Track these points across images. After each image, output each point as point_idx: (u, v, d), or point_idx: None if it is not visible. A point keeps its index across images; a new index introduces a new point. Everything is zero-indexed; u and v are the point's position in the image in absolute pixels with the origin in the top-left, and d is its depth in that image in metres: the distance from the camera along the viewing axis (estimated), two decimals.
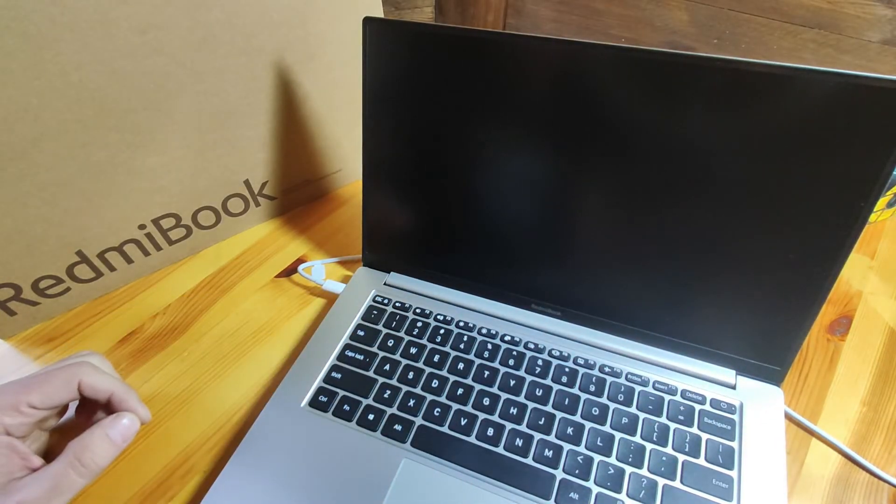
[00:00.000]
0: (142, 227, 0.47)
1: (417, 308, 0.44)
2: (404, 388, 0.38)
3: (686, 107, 0.32)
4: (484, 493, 0.33)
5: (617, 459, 0.34)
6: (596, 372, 0.39)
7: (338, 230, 0.56)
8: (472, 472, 0.34)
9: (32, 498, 0.25)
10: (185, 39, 0.41)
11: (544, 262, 0.40)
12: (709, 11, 0.99)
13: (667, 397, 0.37)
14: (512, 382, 0.39)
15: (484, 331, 0.42)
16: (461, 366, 0.40)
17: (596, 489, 0.33)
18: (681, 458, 0.34)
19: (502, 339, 0.41)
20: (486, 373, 0.39)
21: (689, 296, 0.37)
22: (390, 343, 0.41)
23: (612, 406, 0.37)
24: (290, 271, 0.52)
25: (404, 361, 0.40)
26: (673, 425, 0.36)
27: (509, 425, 0.36)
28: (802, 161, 0.31)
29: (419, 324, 0.43)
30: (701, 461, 0.34)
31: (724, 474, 0.33)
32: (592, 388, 0.38)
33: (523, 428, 0.36)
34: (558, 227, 0.39)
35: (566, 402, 0.37)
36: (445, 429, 0.36)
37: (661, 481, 0.33)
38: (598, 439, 0.35)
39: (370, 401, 0.38)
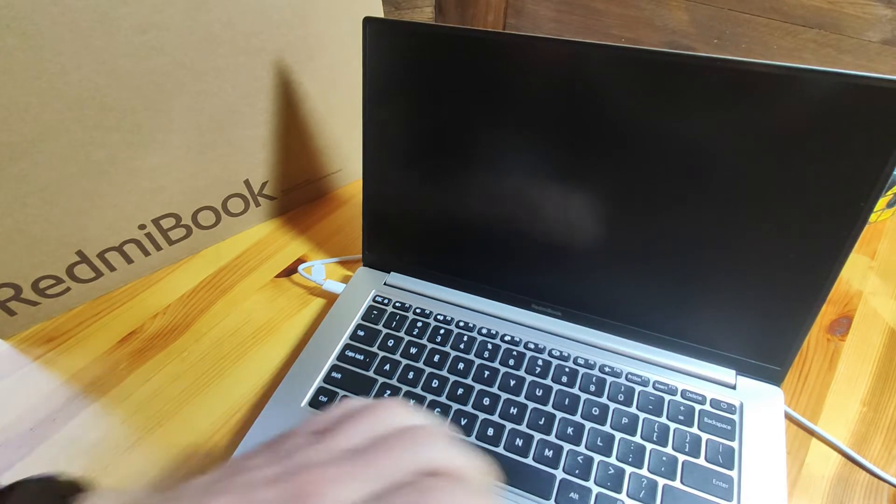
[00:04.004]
0: (142, 227, 0.47)
1: (417, 308, 0.44)
2: (404, 389, 0.38)
3: (686, 107, 0.32)
4: None
5: (617, 459, 0.34)
6: (596, 372, 0.39)
7: (338, 230, 0.56)
8: None
9: None
10: (185, 39, 0.41)
11: (544, 262, 0.40)
12: (709, 11, 0.99)
13: (667, 397, 0.37)
14: (512, 382, 0.39)
15: (484, 331, 0.42)
16: (461, 366, 0.40)
17: (596, 489, 0.33)
18: (681, 458, 0.34)
19: (502, 339, 0.41)
20: (486, 373, 0.39)
21: (689, 296, 0.37)
22: (390, 343, 0.41)
23: (613, 406, 0.37)
24: (290, 271, 0.52)
25: (404, 361, 0.40)
26: (673, 425, 0.36)
27: (509, 425, 0.36)
28: (802, 161, 0.31)
29: (419, 324, 0.43)
30: (701, 461, 0.34)
31: (724, 474, 0.33)
32: (592, 388, 0.38)
33: (523, 428, 0.36)
34: (558, 228, 0.39)
35: (566, 402, 0.37)
36: None
37: (662, 481, 0.33)
38: (599, 439, 0.35)
39: None
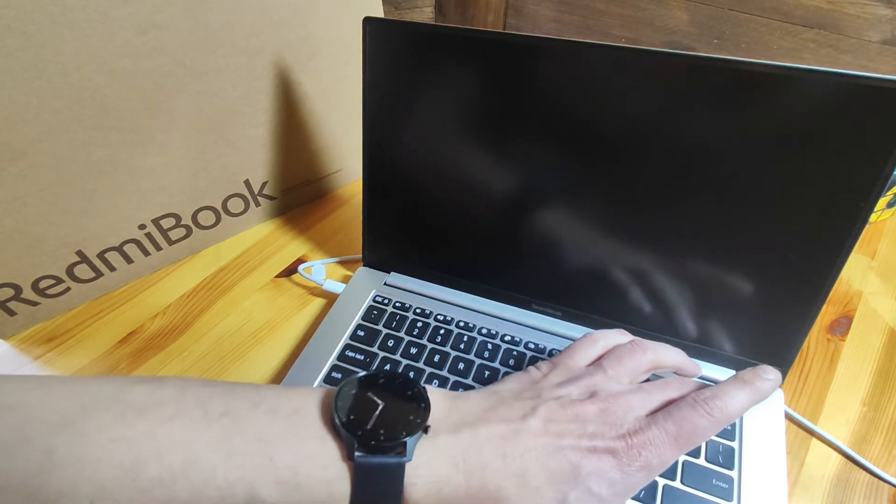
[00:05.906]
0: (142, 227, 0.47)
1: (417, 308, 0.44)
2: None
3: (686, 107, 0.32)
4: None
5: None
6: None
7: (338, 230, 0.56)
8: None
9: None
10: (185, 39, 0.41)
11: (544, 261, 0.40)
12: (709, 11, 0.99)
13: None
14: None
15: (484, 331, 0.42)
16: (461, 366, 0.40)
17: None
18: (681, 458, 0.34)
19: (502, 339, 0.41)
20: (487, 373, 0.39)
21: (688, 296, 0.37)
22: (390, 343, 0.41)
23: None
24: (290, 271, 0.52)
25: (405, 362, 0.40)
26: None
27: None
28: (802, 161, 0.31)
29: (419, 324, 0.43)
30: (701, 461, 0.34)
31: (724, 474, 0.33)
32: None
33: None
34: (559, 228, 0.39)
35: None
36: None
37: (661, 481, 0.33)
38: None
39: None
